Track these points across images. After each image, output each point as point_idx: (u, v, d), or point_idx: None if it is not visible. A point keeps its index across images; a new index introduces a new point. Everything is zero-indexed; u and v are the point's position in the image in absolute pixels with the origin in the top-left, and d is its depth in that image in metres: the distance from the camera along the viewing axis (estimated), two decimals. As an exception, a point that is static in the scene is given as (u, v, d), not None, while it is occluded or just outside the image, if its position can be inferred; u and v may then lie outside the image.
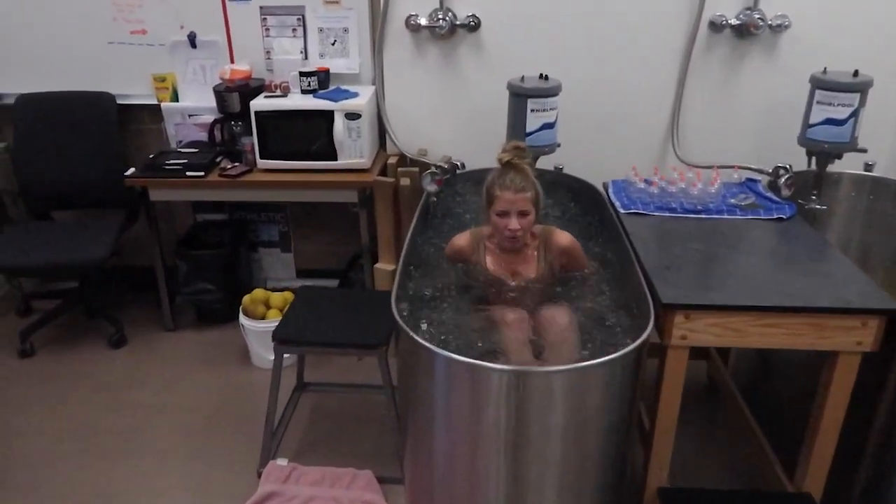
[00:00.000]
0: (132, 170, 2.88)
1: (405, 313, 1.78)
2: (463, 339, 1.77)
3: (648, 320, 1.61)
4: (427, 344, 1.56)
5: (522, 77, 2.44)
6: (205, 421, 2.59)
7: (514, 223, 1.86)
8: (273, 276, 3.49)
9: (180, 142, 3.14)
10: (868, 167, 2.61)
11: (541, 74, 2.46)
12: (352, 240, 3.26)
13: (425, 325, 1.78)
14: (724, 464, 2.37)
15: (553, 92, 2.41)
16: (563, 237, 1.98)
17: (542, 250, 1.98)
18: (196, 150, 3.01)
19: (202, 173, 2.82)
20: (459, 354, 1.53)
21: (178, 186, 2.85)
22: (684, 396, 1.81)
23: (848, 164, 2.50)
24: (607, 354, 1.50)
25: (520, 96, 2.40)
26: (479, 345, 1.76)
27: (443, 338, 1.74)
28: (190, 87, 3.10)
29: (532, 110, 2.40)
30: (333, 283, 3.35)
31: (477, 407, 1.56)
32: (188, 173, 2.82)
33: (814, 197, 2.46)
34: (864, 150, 2.39)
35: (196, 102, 3.09)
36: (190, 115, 3.12)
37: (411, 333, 1.59)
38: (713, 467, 2.35)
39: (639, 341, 1.54)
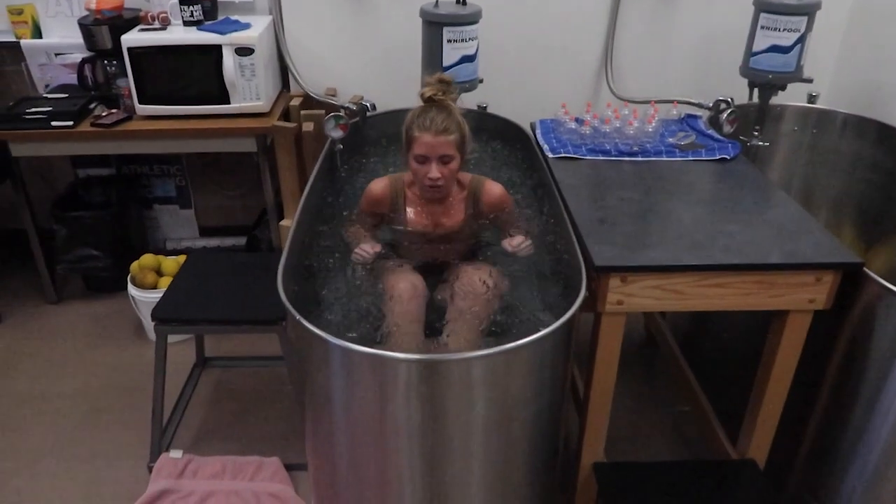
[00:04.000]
0: (-13, 120, 2.44)
1: (296, 289, 1.49)
2: (363, 315, 1.51)
3: (579, 288, 1.37)
4: (319, 332, 1.28)
5: (437, 2, 2.12)
6: (90, 410, 2.27)
7: (434, 171, 1.58)
8: (173, 235, 3.12)
9: (48, 86, 2.70)
10: (812, 98, 2.43)
11: (457, -1, 2.14)
12: (259, 193, 2.92)
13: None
14: (665, 426, 2.22)
15: (472, 19, 2.11)
16: (496, 189, 1.72)
17: (471, 201, 1.72)
18: (65, 95, 2.59)
19: (71, 122, 2.41)
20: (358, 343, 1.26)
21: (43, 139, 2.44)
22: (620, 352, 1.59)
23: (790, 97, 2.31)
24: (531, 333, 1.26)
25: (434, 24, 2.09)
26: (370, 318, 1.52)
27: (331, 317, 1.48)
28: (54, 20, 2.66)
29: (448, 41, 2.10)
30: (242, 241, 3.03)
31: (383, 401, 1.31)
32: (54, 123, 2.41)
33: (756, 133, 2.29)
34: (809, 81, 2.22)
35: (63, 39, 2.65)
36: (57, 55, 2.68)
37: (298, 317, 1.31)
38: (652, 431, 2.20)
39: (567, 316, 1.30)
